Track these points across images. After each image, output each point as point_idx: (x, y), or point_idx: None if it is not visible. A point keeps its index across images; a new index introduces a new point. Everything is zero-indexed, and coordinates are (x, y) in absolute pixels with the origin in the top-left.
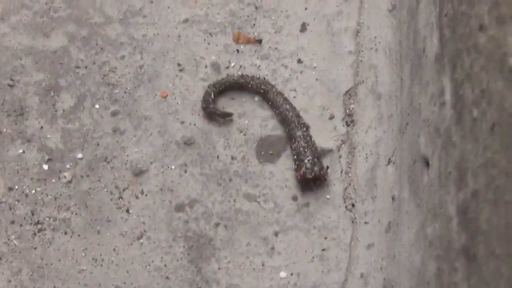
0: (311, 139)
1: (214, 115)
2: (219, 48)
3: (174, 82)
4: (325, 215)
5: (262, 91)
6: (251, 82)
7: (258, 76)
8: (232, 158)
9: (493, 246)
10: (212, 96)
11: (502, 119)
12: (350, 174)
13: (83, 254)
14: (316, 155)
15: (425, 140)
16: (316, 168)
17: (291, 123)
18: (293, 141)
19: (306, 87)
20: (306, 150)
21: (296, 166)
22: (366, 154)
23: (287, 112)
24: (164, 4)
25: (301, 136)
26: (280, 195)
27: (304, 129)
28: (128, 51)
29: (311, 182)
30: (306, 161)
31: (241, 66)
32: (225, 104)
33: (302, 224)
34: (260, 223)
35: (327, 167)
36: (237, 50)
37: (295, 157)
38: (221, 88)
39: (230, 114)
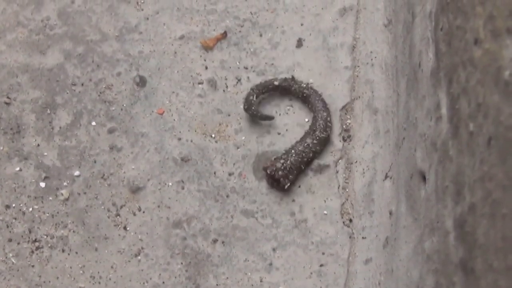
0: (311, 150)
1: (255, 117)
2: (216, 64)
3: (171, 99)
4: (322, 230)
5: (305, 95)
6: (294, 86)
7: (301, 81)
8: (229, 174)
9: (491, 259)
10: (254, 98)
11: (499, 133)
12: (347, 190)
13: (81, 272)
14: (296, 165)
15: (422, 154)
16: (281, 170)
17: (317, 128)
18: (301, 141)
19: (303, 102)
20: (295, 154)
21: (273, 158)
22: (363, 169)
23: (320, 116)
24: (160, 21)
25: (308, 144)
26: (277, 210)
27: (317, 138)
28: (124, 68)
29: (274, 182)
30: (278, 160)
31: (237, 82)
32: (222, 120)
33: (300, 240)
34: (258, 239)
35: (291, 181)
36: (233, 66)
37: (284, 151)
38: (263, 91)
39: (271, 118)
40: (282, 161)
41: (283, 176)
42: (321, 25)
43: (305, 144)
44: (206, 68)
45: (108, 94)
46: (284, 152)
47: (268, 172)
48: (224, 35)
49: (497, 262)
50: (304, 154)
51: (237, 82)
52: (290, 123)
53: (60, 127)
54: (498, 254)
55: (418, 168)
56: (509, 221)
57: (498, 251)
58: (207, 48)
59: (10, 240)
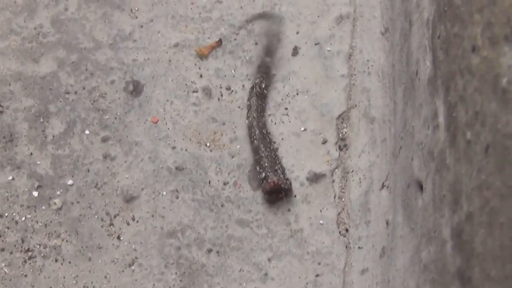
0: (276, 151)
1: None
2: (210, 73)
3: (165, 107)
4: (318, 240)
5: None
6: None
7: None
8: (224, 183)
9: (488, 268)
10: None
11: (496, 141)
12: (343, 199)
13: (74, 282)
14: (282, 166)
15: (419, 163)
16: (288, 180)
17: (254, 135)
18: (259, 153)
19: (299, 112)
20: (275, 161)
21: (264, 176)
22: (360, 178)
23: (252, 123)
24: (154, 29)
25: (268, 149)
26: (273, 220)
27: (268, 140)
28: (118, 76)
29: (281, 194)
30: (269, 174)
31: (232, 91)
32: (217, 128)
33: (295, 250)
34: (253, 249)
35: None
36: (228, 75)
37: (261, 169)
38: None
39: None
40: (271, 173)
41: (286, 182)
42: (317, 33)
43: (269, 146)
44: (201, 76)
45: (102, 103)
46: (260, 166)
47: (284, 186)
48: (219, 43)
49: (495, 271)
50: (275, 155)
51: (232, 91)
52: (286, 132)
53: (53, 136)
54: (496, 263)
55: (415, 177)
56: (507, 230)
57: (496, 260)
58: (202, 56)
59: (2, 249)
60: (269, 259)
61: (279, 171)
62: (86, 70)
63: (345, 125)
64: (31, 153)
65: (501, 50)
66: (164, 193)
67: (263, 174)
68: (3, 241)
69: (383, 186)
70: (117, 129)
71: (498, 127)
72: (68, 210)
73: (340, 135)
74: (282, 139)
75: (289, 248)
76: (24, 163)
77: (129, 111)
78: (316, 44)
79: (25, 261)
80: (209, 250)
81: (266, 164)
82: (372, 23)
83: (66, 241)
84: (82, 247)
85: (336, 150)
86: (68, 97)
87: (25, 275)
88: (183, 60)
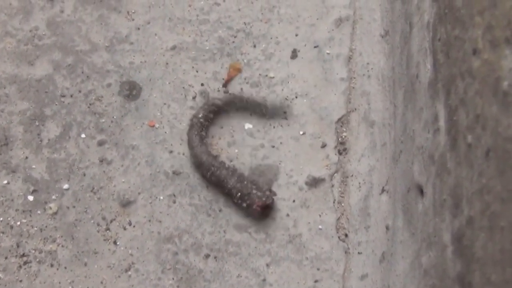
0: (242, 174)
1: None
2: (208, 76)
3: (162, 111)
4: (317, 245)
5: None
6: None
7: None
8: None
9: (489, 273)
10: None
11: (497, 144)
12: (343, 204)
13: (70, 287)
14: (256, 183)
15: (419, 167)
16: (268, 193)
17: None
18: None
19: (297, 115)
20: (247, 184)
21: (248, 202)
22: (359, 183)
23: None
24: (151, 31)
25: (235, 176)
26: (271, 225)
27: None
28: (115, 79)
29: (268, 209)
30: (254, 191)
31: (230, 94)
32: (214, 132)
33: (294, 255)
34: (251, 254)
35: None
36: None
37: (239, 195)
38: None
39: None
40: (255, 190)
41: (273, 196)
42: (316, 35)
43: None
44: (199, 79)
45: (98, 106)
46: (244, 184)
47: (270, 202)
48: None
49: (495, 275)
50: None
51: (230, 94)
52: (284, 136)
53: (49, 140)
54: (496, 267)
55: (415, 182)
56: (508, 234)
57: (496, 264)
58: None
59: None
60: (267, 265)
61: (254, 190)
62: (82, 73)
63: (345, 129)
64: (27, 157)
65: (502, 52)
66: (161, 197)
67: (244, 204)
68: None
69: (383, 190)
70: (114, 133)
71: (499, 130)
72: (64, 215)
73: (340, 139)
74: (281, 143)
75: (288, 253)
76: (19, 167)
77: (125, 115)
78: (315, 47)
79: (20, 266)
80: (207, 256)
81: (238, 195)
82: (372, 26)
83: (62, 246)
84: (78, 252)
85: (336, 154)
86: (64, 100)
87: (20, 280)
88: (180, 63)
